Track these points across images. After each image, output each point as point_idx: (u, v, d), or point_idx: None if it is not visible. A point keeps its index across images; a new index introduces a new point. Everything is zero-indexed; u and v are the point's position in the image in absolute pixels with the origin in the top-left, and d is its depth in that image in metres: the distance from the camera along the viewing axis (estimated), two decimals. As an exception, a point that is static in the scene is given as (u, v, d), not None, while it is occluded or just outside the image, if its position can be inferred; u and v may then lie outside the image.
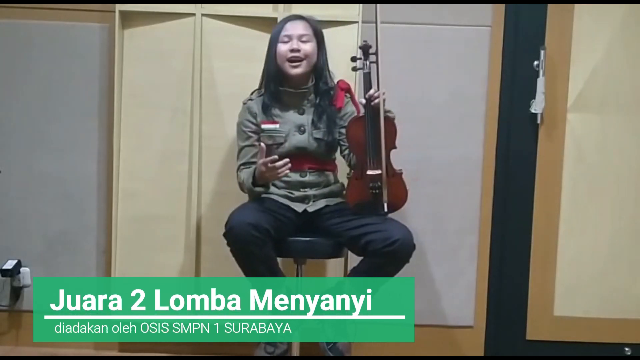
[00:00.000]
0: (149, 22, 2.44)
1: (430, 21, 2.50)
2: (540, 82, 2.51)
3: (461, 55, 2.51)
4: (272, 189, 2.14)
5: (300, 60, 2.13)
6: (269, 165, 1.96)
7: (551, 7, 2.52)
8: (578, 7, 2.52)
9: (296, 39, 2.13)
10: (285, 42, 2.13)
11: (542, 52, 2.51)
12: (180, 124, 2.48)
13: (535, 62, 2.52)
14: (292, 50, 2.12)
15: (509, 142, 2.56)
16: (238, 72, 2.45)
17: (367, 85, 2.05)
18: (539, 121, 2.54)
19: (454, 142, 2.54)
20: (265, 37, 2.44)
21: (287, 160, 1.98)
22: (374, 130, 2.03)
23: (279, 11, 2.42)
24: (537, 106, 2.52)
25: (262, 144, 2.00)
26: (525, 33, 2.53)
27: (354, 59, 2.10)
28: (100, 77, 2.50)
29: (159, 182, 2.49)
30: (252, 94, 2.24)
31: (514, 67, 2.53)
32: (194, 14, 2.43)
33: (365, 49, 2.07)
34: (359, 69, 2.09)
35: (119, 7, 2.41)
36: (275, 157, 1.96)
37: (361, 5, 2.42)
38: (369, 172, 2.05)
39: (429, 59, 2.51)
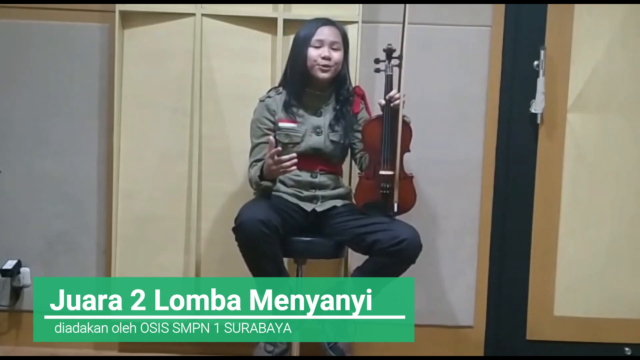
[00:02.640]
0: (149, 22, 2.44)
1: (430, 21, 2.50)
2: (540, 82, 2.51)
3: (461, 55, 2.52)
4: (282, 187, 2.15)
5: (330, 66, 2.14)
6: (275, 158, 1.95)
7: (551, 7, 2.52)
8: (578, 7, 2.52)
9: (328, 46, 2.14)
10: (317, 48, 2.14)
11: (542, 52, 2.51)
12: (180, 124, 2.48)
13: (535, 62, 2.52)
14: (323, 58, 2.13)
15: (509, 142, 2.56)
16: (238, 72, 2.46)
17: (388, 87, 2.08)
18: (539, 121, 2.54)
19: (454, 142, 2.54)
20: (266, 37, 2.45)
21: (293, 155, 1.97)
22: (390, 131, 2.05)
23: (279, 11, 2.42)
24: (537, 106, 2.52)
25: (271, 138, 2.00)
26: (525, 33, 2.53)
27: (377, 61, 2.11)
28: (100, 77, 2.50)
29: (159, 182, 2.48)
30: (269, 91, 2.24)
31: (514, 67, 2.53)
32: (194, 14, 2.43)
33: (389, 52, 2.09)
34: (382, 71, 2.10)
35: (119, 7, 2.41)
36: (279, 149, 1.96)
37: (361, 5, 2.42)
38: (382, 172, 2.06)
39: (429, 58, 2.51)
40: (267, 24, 2.44)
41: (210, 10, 2.44)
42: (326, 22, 2.18)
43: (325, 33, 2.15)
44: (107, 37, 2.48)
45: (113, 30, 2.43)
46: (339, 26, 2.20)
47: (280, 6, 2.42)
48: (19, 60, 2.50)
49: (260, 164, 2.08)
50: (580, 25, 2.52)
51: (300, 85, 2.17)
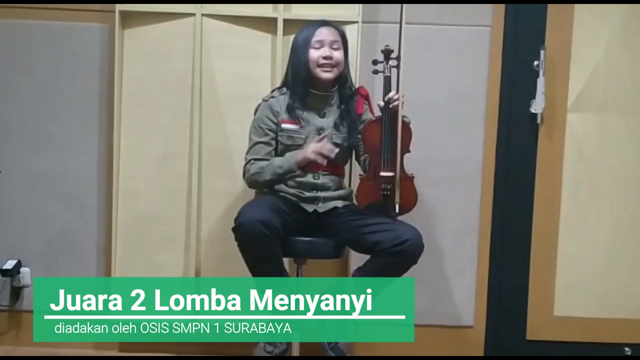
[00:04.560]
0: (149, 22, 2.44)
1: (430, 21, 2.50)
2: (540, 82, 2.51)
3: (461, 55, 2.52)
4: (283, 187, 2.15)
5: (332, 66, 2.14)
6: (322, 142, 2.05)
7: (551, 7, 2.52)
8: (578, 7, 2.52)
9: (328, 46, 2.14)
10: (317, 49, 2.14)
11: (542, 52, 2.51)
12: (180, 124, 2.48)
13: (535, 62, 2.52)
14: (325, 57, 2.13)
15: (509, 142, 2.56)
16: (238, 72, 2.46)
17: (387, 88, 2.07)
18: (539, 121, 2.54)
19: (454, 142, 2.54)
20: (266, 37, 2.45)
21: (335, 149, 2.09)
22: (390, 133, 2.05)
23: (279, 11, 2.42)
24: (537, 106, 2.52)
25: (329, 132, 2.11)
26: (525, 33, 2.53)
27: (375, 62, 2.11)
28: (100, 77, 2.50)
29: (159, 182, 2.49)
30: (273, 91, 2.24)
31: (514, 67, 2.53)
32: (194, 14, 2.43)
33: (387, 53, 2.09)
34: (380, 72, 2.10)
35: (119, 7, 2.41)
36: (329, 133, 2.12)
37: (361, 5, 2.42)
38: (382, 174, 2.06)
39: (429, 59, 2.51)
40: (267, 24, 2.44)
41: (210, 10, 2.44)
42: (324, 23, 2.19)
43: (324, 33, 2.15)
44: (107, 37, 2.48)
45: (113, 30, 2.43)
46: (337, 26, 2.20)
47: (280, 6, 2.42)
48: (19, 60, 2.50)
49: (285, 156, 2.13)
50: (580, 25, 2.52)
51: (304, 88, 2.17)
